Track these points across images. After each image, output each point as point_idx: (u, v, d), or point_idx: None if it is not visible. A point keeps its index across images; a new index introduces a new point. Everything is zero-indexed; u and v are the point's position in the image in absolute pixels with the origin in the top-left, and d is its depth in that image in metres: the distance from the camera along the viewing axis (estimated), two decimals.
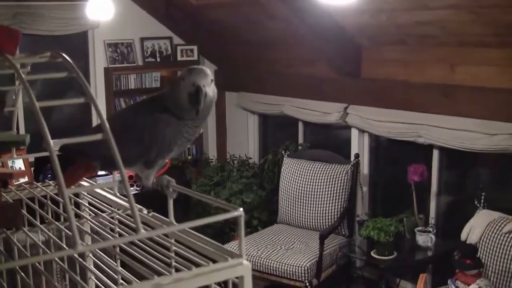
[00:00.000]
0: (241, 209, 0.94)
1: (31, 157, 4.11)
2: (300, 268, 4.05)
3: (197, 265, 0.93)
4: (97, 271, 1.24)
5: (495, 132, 3.59)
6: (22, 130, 5.02)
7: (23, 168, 4.00)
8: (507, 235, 3.38)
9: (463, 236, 3.63)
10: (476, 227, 3.56)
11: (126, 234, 1.19)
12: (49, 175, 3.94)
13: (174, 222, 1.11)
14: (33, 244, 1.25)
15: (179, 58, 5.83)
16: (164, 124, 1.19)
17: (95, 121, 5.60)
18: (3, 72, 1.05)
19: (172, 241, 1.07)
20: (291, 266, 4.08)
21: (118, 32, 5.50)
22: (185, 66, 6.62)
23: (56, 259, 1.13)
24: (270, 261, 4.16)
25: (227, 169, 5.58)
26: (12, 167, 3.91)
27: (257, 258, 4.21)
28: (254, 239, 4.49)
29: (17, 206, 1.22)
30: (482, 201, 3.68)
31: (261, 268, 4.19)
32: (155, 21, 5.74)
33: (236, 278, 0.94)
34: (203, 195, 1.08)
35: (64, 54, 0.94)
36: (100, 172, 3.90)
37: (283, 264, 4.11)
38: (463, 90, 3.79)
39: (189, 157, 6.04)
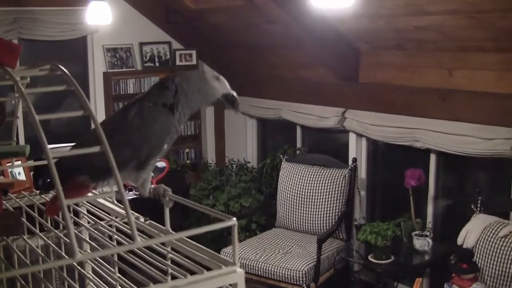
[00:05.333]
0: (235, 218, 0.96)
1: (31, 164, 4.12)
2: (298, 272, 4.06)
3: (192, 272, 0.96)
4: (96, 278, 1.26)
5: (492, 137, 3.61)
6: (21, 136, 5.03)
7: (22, 173, 4.02)
8: (503, 239, 3.39)
9: (459, 240, 3.64)
10: (473, 231, 3.57)
11: (125, 242, 1.20)
12: (48, 179, 3.94)
13: (171, 231, 1.13)
14: (33, 250, 1.26)
15: (178, 62, 5.86)
16: (152, 118, 1.20)
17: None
18: (3, 83, 1.07)
19: (168, 249, 1.09)
20: (289, 270, 4.09)
21: (117, 37, 5.53)
22: (184, 71, 6.59)
23: (55, 267, 1.16)
24: (268, 265, 4.18)
25: (226, 173, 5.60)
26: (11, 172, 3.93)
27: (255, 262, 4.22)
28: (252, 243, 4.51)
29: (18, 215, 1.23)
30: (478, 205, 3.69)
31: (259, 272, 4.21)
32: (154, 26, 5.76)
33: (230, 285, 0.96)
34: (198, 205, 1.11)
35: (63, 68, 0.97)
36: None
37: (281, 268, 4.12)
38: (460, 94, 3.80)
39: (188, 162, 6.06)
